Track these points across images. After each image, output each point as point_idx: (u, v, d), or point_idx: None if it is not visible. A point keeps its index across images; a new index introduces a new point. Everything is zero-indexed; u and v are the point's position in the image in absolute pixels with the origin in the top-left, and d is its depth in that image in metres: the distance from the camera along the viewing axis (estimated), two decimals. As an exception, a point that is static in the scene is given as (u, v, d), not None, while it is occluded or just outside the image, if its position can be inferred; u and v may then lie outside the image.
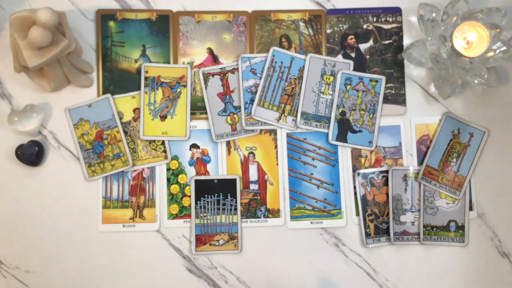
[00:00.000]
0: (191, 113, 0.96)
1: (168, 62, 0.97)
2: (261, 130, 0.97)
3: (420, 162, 0.97)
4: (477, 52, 0.90)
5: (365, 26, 0.99)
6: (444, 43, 0.89)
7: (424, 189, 0.95)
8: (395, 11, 0.99)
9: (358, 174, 0.96)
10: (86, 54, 0.97)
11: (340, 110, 0.97)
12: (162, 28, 0.97)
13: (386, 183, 0.96)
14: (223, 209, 0.95)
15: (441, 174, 0.96)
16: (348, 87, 0.97)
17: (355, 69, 0.98)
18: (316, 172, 0.96)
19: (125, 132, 0.96)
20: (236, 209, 0.95)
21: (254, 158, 0.96)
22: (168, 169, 0.96)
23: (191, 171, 0.96)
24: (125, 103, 0.96)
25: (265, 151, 0.97)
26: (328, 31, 0.99)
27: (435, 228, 0.95)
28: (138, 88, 0.96)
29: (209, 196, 0.95)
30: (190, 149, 0.96)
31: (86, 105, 0.95)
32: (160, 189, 0.95)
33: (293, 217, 0.96)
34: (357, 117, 0.96)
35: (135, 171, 0.95)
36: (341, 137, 0.96)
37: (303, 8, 0.99)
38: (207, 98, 0.96)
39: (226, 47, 0.98)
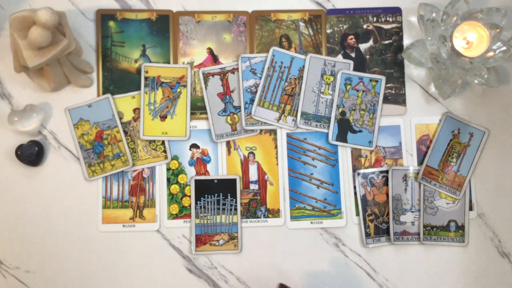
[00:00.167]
0: (191, 113, 0.96)
1: (168, 62, 0.97)
2: (261, 130, 0.97)
3: (420, 162, 0.97)
4: (477, 52, 0.90)
5: (365, 26, 0.99)
6: (444, 43, 0.89)
7: (424, 189, 0.95)
8: (395, 11, 0.99)
9: (358, 174, 0.96)
10: (86, 54, 0.97)
11: (340, 110, 0.96)
12: (162, 28, 0.97)
13: (386, 183, 0.96)
14: (223, 209, 0.95)
15: (441, 174, 0.96)
16: (348, 87, 0.97)
17: (355, 69, 0.98)
18: (316, 172, 0.96)
19: (125, 132, 0.96)
20: (236, 209, 0.95)
21: (254, 158, 0.96)
22: (168, 169, 0.96)
23: (191, 171, 0.96)
24: (125, 103, 0.96)
25: (265, 151, 0.97)
26: (328, 31, 0.99)
27: (435, 228, 0.95)
28: (138, 88, 0.96)
29: (209, 196, 0.95)
30: (190, 149, 0.96)
31: (86, 105, 0.95)
32: (160, 189, 0.95)
33: (293, 217, 0.95)
34: (357, 117, 0.96)
35: (135, 171, 0.95)
36: (341, 137, 0.96)
37: (303, 8, 0.99)
38: (207, 98, 0.96)
39: (226, 47, 0.98)
